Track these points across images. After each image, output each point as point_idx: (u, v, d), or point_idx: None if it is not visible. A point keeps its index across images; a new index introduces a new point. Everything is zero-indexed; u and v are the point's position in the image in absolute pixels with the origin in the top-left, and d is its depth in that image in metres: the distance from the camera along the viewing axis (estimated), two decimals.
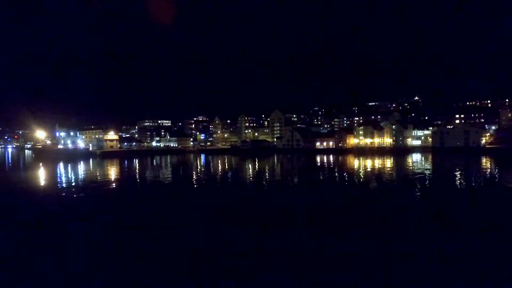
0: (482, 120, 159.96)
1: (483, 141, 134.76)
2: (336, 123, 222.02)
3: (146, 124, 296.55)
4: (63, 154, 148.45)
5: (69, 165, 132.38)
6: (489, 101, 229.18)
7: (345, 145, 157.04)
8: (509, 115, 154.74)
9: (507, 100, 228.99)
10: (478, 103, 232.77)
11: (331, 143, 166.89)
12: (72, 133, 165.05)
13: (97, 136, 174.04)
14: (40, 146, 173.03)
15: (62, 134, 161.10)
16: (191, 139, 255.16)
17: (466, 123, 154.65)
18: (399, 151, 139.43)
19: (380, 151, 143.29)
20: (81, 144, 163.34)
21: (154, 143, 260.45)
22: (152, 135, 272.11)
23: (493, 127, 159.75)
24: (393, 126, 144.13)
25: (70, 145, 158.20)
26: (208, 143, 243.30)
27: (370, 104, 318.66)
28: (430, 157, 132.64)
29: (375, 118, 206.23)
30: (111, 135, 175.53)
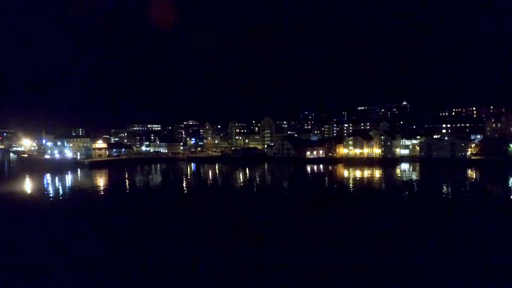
0: (468, 130, 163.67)
1: (469, 152, 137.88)
2: (326, 129, 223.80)
3: (135, 128, 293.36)
4: (49, 165, 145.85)
5: (56, 177, 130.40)
6: (474, 108, 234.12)
7: (335, 154, 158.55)
8: (494, 125, 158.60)
9: (491, 107, 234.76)
10: (464, 110, 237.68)
11: (321, 151, 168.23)
12: (59, 143, 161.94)
13: (85, 144, 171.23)
14: (26, 155, 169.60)
15: (49, 143, 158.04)
16: (181, 144, 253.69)
17: (452, 134, 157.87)
18: (388, 162, 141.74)
19: (369, 162, 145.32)
20: (68, 154, 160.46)
21: (143, 148, 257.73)
22: (142, 140, 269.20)
23: (478, 136, 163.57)
24: (382, 137, 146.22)
25: (57, 155, 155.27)
26: (199, 149, 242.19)
27: (359, 108, 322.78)
28: (418, 168, 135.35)
29: (364, 125, 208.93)
30: (100, 143, 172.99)
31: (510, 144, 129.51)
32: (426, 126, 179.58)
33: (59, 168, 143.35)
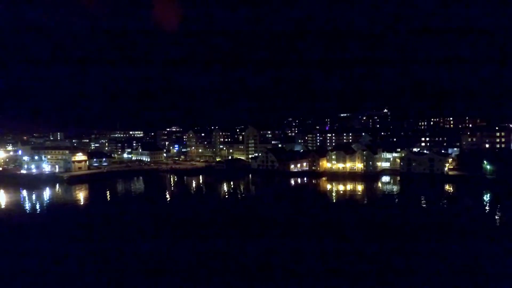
0: (445, 144, 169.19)
1: (446, 167, 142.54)
2: (310, 138, 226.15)
3: (116, 135, 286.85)
4: (25, 180, 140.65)
5: (32, 194, 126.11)
6: (451, 118, 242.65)
7: (318, 168, 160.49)
8: (469, 139, 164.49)
9: (467, 118, 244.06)
10: (441, 120, 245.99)
11: (305, 164, 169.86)
12: (36, 157, 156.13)
13: (64, 156, 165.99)
14: (0, 169, 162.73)
15: (26, 157, 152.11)
16: (164, 151, 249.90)
17: (431, 148, 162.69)
18: (370, 177, 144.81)
19: (352, 176, 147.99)
20: (46, 168, 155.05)
21: (125, 155, 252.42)
22: (123, 147, 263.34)
23: (456, 149, 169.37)
24: (364, 152, 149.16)
25: (34, 170, 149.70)
26: (182, 157, 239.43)
27: (342, 115, 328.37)
28: (397, 183, 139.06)
29: (347, 136, 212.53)
30: (79, 155, 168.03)
31: (485, 161, 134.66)
32: (406, 138, 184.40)
33: (36, 183, 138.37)
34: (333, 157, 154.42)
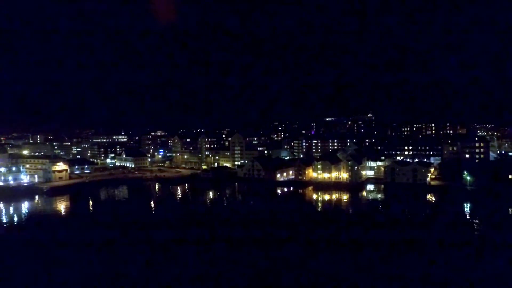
0: (428, 153, 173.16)
1: (428, 177, 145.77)
2: (296, 144, 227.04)
3: (99, 140, 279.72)
4: (2, 192, 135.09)
5: (10, 207, 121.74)
6: (433, 125, 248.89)
7: (304, 177, 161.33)
8: (450, 148, 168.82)
9: (448, 124, 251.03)
10: (424, 126, 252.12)
11: (291, 172, 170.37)
12: (14, 168, 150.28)
13: (44, 166, 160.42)
14: None
15: (2, 169, 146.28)
16: (149, 157, 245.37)
17: (414, 158, 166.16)
18: (355, 187, 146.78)
19: (337, 186, 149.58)
20: (25, 179, 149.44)
21: (108, 160, 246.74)
22: (106, 152, 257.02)
23: (438, 158, 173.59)
24: (349, 162, 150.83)
25: (11, 181, 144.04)
26: (167, 163, 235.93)
27: (327, 119, 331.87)
28: (381, 194, 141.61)
29: (332, 142, 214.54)
30: (60, 165, 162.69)
31: (465, 171, 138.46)
32: (390, 145, 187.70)
33: (14, 196, 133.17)
34: (319, 166, 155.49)
